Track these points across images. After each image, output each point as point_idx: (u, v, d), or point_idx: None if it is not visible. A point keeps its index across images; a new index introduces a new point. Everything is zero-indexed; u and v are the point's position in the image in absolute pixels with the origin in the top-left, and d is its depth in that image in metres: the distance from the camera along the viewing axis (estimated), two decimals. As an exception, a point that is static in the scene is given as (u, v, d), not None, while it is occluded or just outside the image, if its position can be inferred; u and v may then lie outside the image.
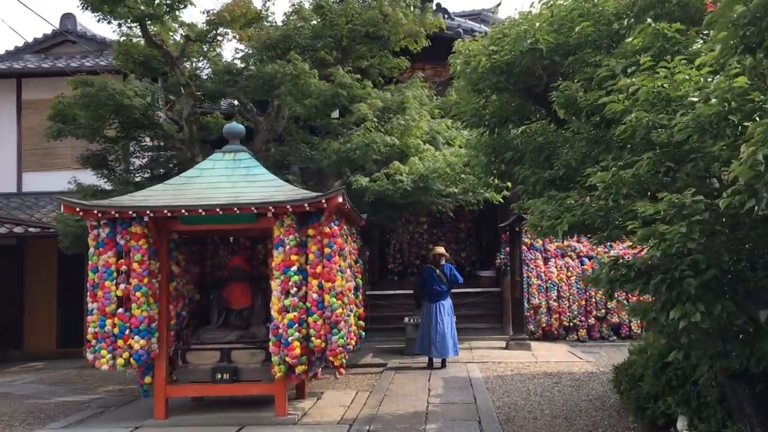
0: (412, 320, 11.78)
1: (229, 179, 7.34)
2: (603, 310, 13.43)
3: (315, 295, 6.73)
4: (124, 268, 6.81)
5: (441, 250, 11.12)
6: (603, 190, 3.87)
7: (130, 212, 6.66)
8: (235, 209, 6.62)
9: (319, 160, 8.23)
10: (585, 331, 13.47)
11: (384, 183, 7.92)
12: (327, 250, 6.75)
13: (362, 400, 8.05)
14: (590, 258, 13.81)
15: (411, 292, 12.24)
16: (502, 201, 9.37)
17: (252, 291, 7.82)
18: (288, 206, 6.60)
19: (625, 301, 12.37)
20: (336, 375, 7.14)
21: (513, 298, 12.42)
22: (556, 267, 13.70)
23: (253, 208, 6.62)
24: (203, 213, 6.67)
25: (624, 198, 3.81)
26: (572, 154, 4.80)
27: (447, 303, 10.79)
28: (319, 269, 6.74)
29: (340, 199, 6.57)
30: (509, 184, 6.86)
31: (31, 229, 12.37)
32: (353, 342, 7.71)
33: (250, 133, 10.20)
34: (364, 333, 8.49)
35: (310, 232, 6.86)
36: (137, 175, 10.59)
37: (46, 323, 13.77)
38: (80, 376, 11.07)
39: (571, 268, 13.63)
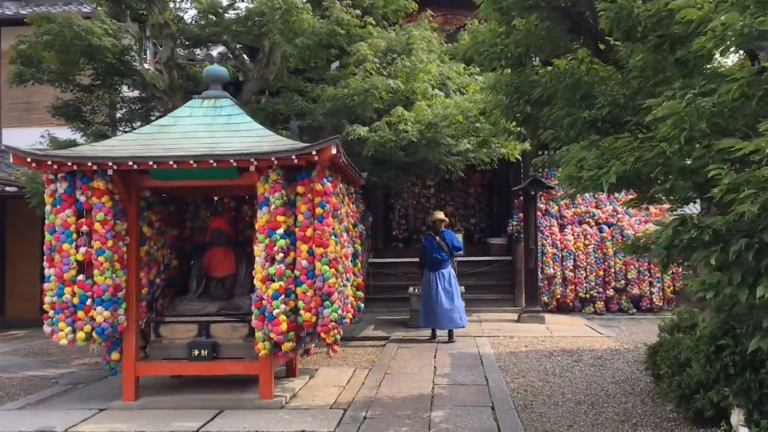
0: (417, 290, 10.92)
1: (208, 128, 6.38)
2: (622, 281, 12.51)
3: (305, 262, 5.82)
4: (85, 228, 5.90)
5: (440, 215, 10.27)
6: (671, 126, 2.90)
7: (90, 164, 5.72)
8: (212, 161, 5.67)
9: (313, 111, 7.24)
10: (602, 303, 12.57)
11: (386, 133, 6.93)
12: (319, 211, 5.82)
13: (360, 379, 7.20)
14: (610, 225, 12.86)
15: (416, 260, 11.39)
16: (519, 158, 8.40)
17: (236, 257, 6.92)
18: (273, 158, 5.65)
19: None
20: (329, 353, 6.26)
21: (526, 267, 11.50)
22: (572, 234, 12.75)
23: (232, 161, 5.67)
24: (175, 166, 5.72)
25: (701, 137, 2.83)
26: (619, 89, 3.80)
27: (447, 271, 9.95)
28: (309, 232, 5.82)
29: (334, 150, 5.61)
30: (531, 133, 5.86)
31: (8, 188, 11.47)
32: (350, 315, 6.83)
33: (239, 85, 9.23)
34: (363, 305, 7.59)
35: (300, 189, 5.93)
36: (118, 128, 9.64)
37: (29, 289, 12.95)
38: (59, 346, 10.26)
39: (588, 236, 12.68)
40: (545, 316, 11.38)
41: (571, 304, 12.66)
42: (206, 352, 6.23)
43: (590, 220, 12.97)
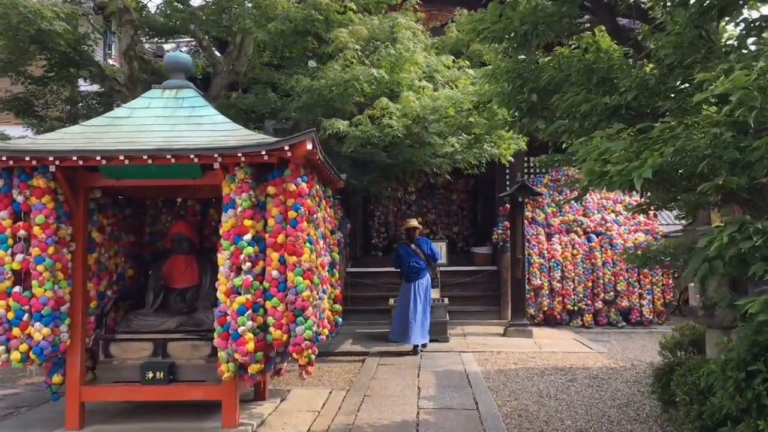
0: (398, 301, 10.25)
1: (168, 121, 5.67)
2: (612, 293, 11.98)
3: (275, 273, 5.14)
4: (22, 233, 5.14)
5: (414, 223, 9.84)
6: (735, 104, 2.28)
7: (28, 158, 4.98)
8: (169, 157, 4.97)
9: (287, 106, 6.55)
10: (591, 316, 12.03)
11: (368, 128, 6.27)
12: (292, 214, 5.14)
13: (337, 402, 6.51)
14: (598, 234, 12.32)
15: (397, 269, 10.75)
16: (511, 160, 7.78)
17: (199, 266, 6.21)
18: (239, 154, 4.96)
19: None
20: (302, 375, 5.56)
21: (513, 278, 10.90)
22: (560, 244, 12.20)
23: (192, 156, 4.97)
24: (127, 162, 5.01)
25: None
26: (645, 72, 3.19)
27: (425, 281, 9.46)
28: (280, 239, 5.15)
29: (309, 146, 4.94)
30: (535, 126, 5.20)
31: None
32: (326, 331, 6.16)
33: (209, 80, 8.52)
34: (340, 319, 6.91)
35: (270, 190, 5.25)
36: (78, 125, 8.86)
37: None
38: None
39: (577, 246, 12.13)
40: (533, 329, 10.77)
41: (558, 316, 12.10)
42: (162, 374, 5.49)
43: (578, 228, 12.43)
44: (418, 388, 7.09)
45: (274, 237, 5.17)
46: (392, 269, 12.59)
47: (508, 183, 13.21)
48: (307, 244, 5.22)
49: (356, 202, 13.68)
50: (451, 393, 6.80)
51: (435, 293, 10.13)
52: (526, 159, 11.96)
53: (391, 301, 10.59)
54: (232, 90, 7.99)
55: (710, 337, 5.86)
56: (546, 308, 11.96)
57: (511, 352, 9.33)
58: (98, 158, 4.96)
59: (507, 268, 11.78)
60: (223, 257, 5.15)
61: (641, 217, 12.76)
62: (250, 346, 4.98)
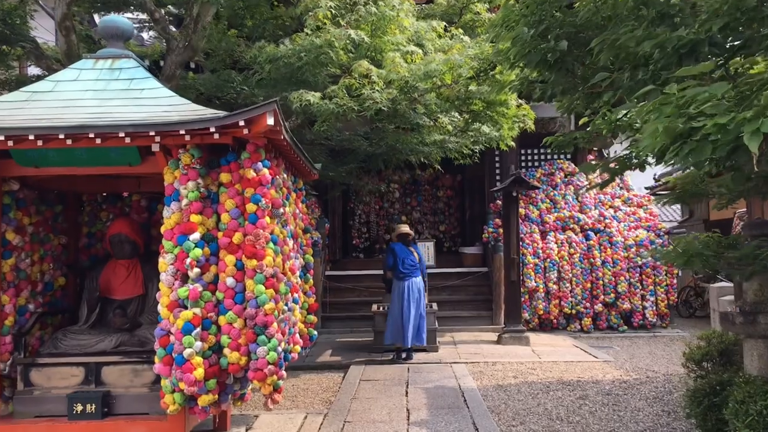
0: (381, 308, 9.30)
1: (99, 95, 4.64)
2: (612, 295, 11.08)
3: (230, 281, 4.14)
4: None
5: (406, 228, 8.90)
6: None
7: None
8: (92, 136, 3.95)
9: (247, 81, 5.55)
10: (590, 319, 11.12)
11: (344, 100, 5.27)
12: (251, 208, 4.15)
13: (313, 430, 5.51)
14: (597, 232, 11.43)
15: (380, 272, 9.80)
16: (513, 145, 6.82)
17: (145, 273, 5.18)
18: (182, 131, 3.95)
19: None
20: (267, 405, 4.54)
21: (507, 280, 9.96)
22: (556, 242, 11.29)
23: (122, 134, 3.95)
24: (40, 143, 3.98)
25: None
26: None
27: (418, 281, 8.67)
28: (237, 238, 4.15)
29: (270, 120, 3.94)
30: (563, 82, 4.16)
31: None
32: (298, 348, 5.19)
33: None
34: (316, 333, 5.92)
35: (224, 178, 4.26)
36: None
37: None
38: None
39: (574, 244, 11.23)
40: (529, 335, 9.84)
41: (555, 321, 11.19)
42: (94, 406, 4.46)
43: (575, 226, 11.54)
44: (407, 410, 6.11)
45: (228, 236, 4.18)
46: (374, 272, 11.67)
47: (498, 177, 12.31)
48: (271, 245, 4.23)
49: (335, 199, 12.69)
50: (445, 416, 5.83)
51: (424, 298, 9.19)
52: (522, 152, 11.03)
53: (374, 306, 9.61)
54: (188, 68, 6.96)
55: (750, 348, 4.93)
56: (542, 312, 11.04)
57: (508, 363, 8.39)
58: (2, 138, 3.92)
59: (499, 270, 10.86)
60: (165, 262, 4.13)
61: (642, 213, 11.92)
62: (199, 372, 3.97)
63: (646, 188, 15.79)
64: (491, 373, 7.84)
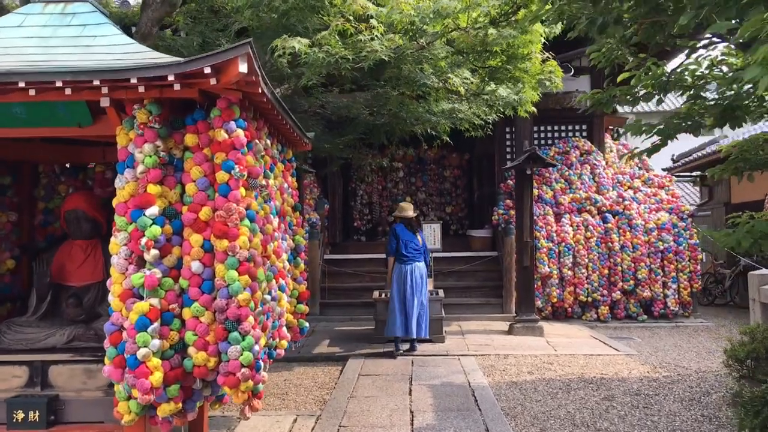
0: (383, 295, 8.58)
1: (44, 42, 3.87)
2: (631, 282, 10.33)
3: (196, 265, 3.40)
4: None
5: (409, 211, 7.96)
6: None
7: None
8: (23, 86, 3.19)
9: (225, 31, 4.77)
10: (607, 308, 10.37)
11: (337, 48, 4.46)
12: (222, 177, 3.40)
13: (301, 438, 4.81)
14: (615, 214, 10.67)
15: (383, 256, 9.11)
16: (533, 111, 6.04)
17: (106, 256, 4.43)
18: (133, 79, 3.18)
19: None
20: (243, 413, 3.81)
21: (519, 265, 9.22)
22: (571, 225, 10.54)
23: (59, 83, 3.18)
24: (-41, 95, 3.23)
25: None
26: None
27: (422, 267, 7.92)
28: (205, 214, 3.41)
29: (243, 68, 3.17)
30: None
31: None
32: (284, 343, 4.46)
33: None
34: (307, 324, 5.18)
35: (190, 140, 3.50)
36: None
37: None
38: None
39: (590, 227, 10.47)
40: (543, 325, 9.11)
41: (569, 309, 10.46)
42: (38, 413, 3.73)
43: (592, 207, 10.77)
44: (411, 412, 5.40)
45: (194, 211, 3.43)
46: (376, 256, 10.94)
47: (509, 156, 11.55)
48: (246, 222, 3.48)
49: (334, 178, 11.93)
50: (454, 420, 5.12)
51: (428, 284, 8.44)
52: (535, 129, 10.22)
53: (376, 293, 8.89)
54: (164, 27, 6.17)
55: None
56: (555, 300, 10.30)
57: (521, 356, 7.68)
58: None
59: (510, 254, 10.13)
60: (116, 242, 3.39)
61: (663, 194, 11.14)
62: (157, 377, 3.24)
63: (664, 169, 15.00)
64: (503, 367, 7.13)
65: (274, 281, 4.23)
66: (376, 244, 11.98)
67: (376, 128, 6.74)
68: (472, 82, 5.34)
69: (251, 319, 3.41)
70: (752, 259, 11.64)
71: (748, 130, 14.51)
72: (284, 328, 4.54)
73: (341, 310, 10.41)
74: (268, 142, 4.23)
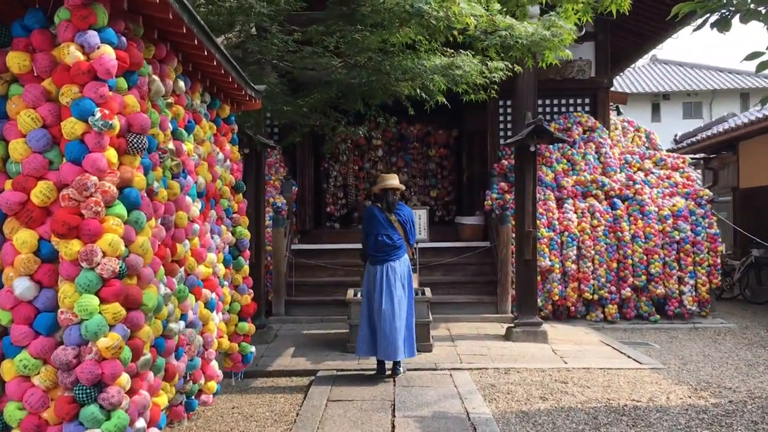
0: (358, 294, 7.11)
1: None
2: (643, 277, 9.00)
3: (23, 286, 1.92)
4: None
5: (394, 181, 6.13)
6: None
7: None
8: None
9: None
10: (615, 306, 9.04)
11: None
12: (71, 128, 1.91)
13: None
14: (625, 199, 9.33)
15: (359, 246, 7.70)
16: (558, 61, 4.59)
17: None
18: None
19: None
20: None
21: (519, 258, 7.83)
22: (575, 212, 9.18)
23: None
24: None
25: None
26: None
27: (402, 265, 6.17)
28: (40, 194, 1.92)
29: None
30: None
31: None
32: (213, 385, 3.03)
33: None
34: (252, 348, 3.73)
35: (16, 62, 2.01)
36: None
37: None
38: None
39: (597, 214, 9.12)
40: (546, 330, 7.75)
41: (572, 307, 9.11)
42: None
43: (598, 191, 9.41)
44: (395, 465, 3.98)
45: (22, 189, 1.95)
46: (352, 246, 9.50)
47: (503, 131, 10.16)
48: (119, 208, 2.01)
49: (305, 158, 10.44)
50: (455, 481, 3.71)
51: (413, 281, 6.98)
52: (540, 100, 8.78)
53: (350, 292, 7.44)
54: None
55: None
56: (557, 297, 8.95)
57: (525, 370, 6.32)
58: None
59: (506, 245, 8.75)
60: None
61: (678, 177, 9.82)
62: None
63: (667, 151, 13.73)
64: (507, 388, 5.74)
65: (192, 299, 2.77)
66: (352, 232, 10.53)
67: (351, 89, 5.28)
68: (483, 15, 3.89)
69: (124, 379, 1.94)
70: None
71: (752, 113, 13.32)
72: (213, 364, 3.09)
73: (310, 309, 8.96)
74: (183, 85, 2.75)
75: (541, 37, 4.02)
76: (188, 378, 2.79)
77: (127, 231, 2.04)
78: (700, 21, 2.52)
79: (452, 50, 5.36)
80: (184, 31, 2.37)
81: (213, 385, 3.07)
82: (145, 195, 2.22)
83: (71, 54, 1.91)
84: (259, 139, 6.27)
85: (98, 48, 1.95)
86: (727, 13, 2.41)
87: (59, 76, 1.95)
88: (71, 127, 1.91)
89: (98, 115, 1.91)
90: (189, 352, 2.74)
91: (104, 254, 1.93)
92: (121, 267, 1.97)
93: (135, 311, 2.07)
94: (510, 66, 5.13)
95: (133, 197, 2.09)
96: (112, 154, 1.99)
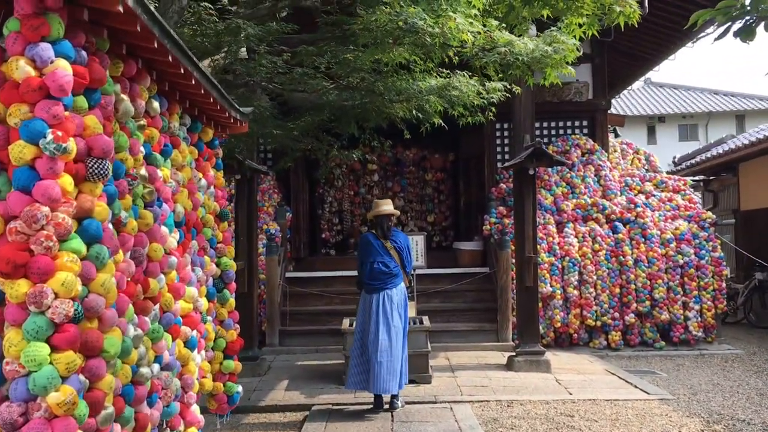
0: (354, 324, 6.84)
1: None
2: (647, 302, 8.74)
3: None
4: None
5: (388, 207, 5.94)
6: None
7: None
8: None
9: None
10: (619, 333, 8.77)
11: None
12: (19, 153, 1.68)
13: None
14: (626, 223, 9.11)
15: (355, 273, 7.46)
16: (572, 72, 4.38)
17: None
18: None
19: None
20: None
21: (520, 285, 7.58)
22: (576, 236, 8.95)
23: None
24: None
25: None
26: None
27: (398, 293, 5.92)
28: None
29: None
30: None
31: None
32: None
33: None
34: (239, 388, 3.47)
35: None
36: None
37: None
38: None
39: (599, 238, 8.89)
40: (549, 359, 7.47)
41: (575, 335, 8.84)
42: None
43: (599, 215, 9.19)
44: None
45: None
46: (348, 273, 9.25)
47: (500, 155, 9.98)
48: (75, 242, 1.77)
49: (299, 183, 10.22)
50: None
51: (410, 310, 6.72)
52: (537, 122, 8.60)
53: (345, 322, 7.18)
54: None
55: None
56: (559, 324, 8.68)
57: (529, 402, 6.05)
58: None
59: (506, 271, 8.51)
60: None
61: (679, 199, 9.63)
62: None
63: (666, 173, 13.56)
64: (511, 422, 5.47)
65: (168, 338, 2.52)
66: (348, 259, 10.29)
67: (344, 112, 5.08)
68: (479, 33, 3.70)
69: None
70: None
71: (751, 134, 13.19)
72: (194, 408, 2.82)
73: (305, 339, 8.67)
74: (158, 106, 2.53)
75: (543, 53, 3.83)
76: (165, 426, 2.54)
77: (85, 268, 1.81)
78: (721, 30, 2.33)
79: (448, 71, 5.19)
80: (156, 46, 2.16)
81: (194, 431, 2.82)
82: (110, 227, 1.99)
83: (20, 69, 1.69)
84: (250, 164, 6.06)
85: (51, 62, 1.74)
86: (752, 21, 2.23)
87: (7, 95, 1.73)
88: (19, 151, 1.69)
89: (50, 137, 1.69)
90: (165, 397, 2.49)
91: (56, 295, 1.70)
92: (76, 309, 1.74)
93: (95, 359, 1.83)
94: (508, 86, 4.97)
95: (94, 229, 1.86)
96: (67, 181, 1.76)
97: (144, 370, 2.25)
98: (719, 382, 6.97)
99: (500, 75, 4.35)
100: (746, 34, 2.25)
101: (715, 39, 2.41)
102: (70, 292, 1.71)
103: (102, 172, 1.89)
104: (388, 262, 5.87)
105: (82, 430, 1.70)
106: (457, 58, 4.11)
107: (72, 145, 1.74)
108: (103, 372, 1.86)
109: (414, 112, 4.89)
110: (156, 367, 2.41)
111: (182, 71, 2.52)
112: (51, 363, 1.65)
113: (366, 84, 4.46)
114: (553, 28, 3.99)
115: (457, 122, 5.48)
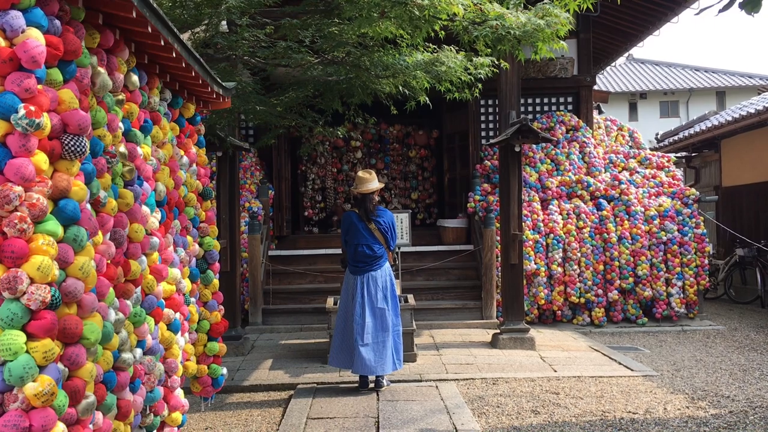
0: (339, 302, 6.80)
1: None
2: (630, 279, 8.80)
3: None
4: None
5: (371, 185, 5.67)
6: None
7: None
8: None
9: None
10: (602, 310, 8.83)
11: None
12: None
13: None
14: (610, 200, 9.13)
15: (338, 251, 7.42)
16: (564, 46, 4.31)
17: None
18: None
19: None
20: None
21: (505, 263, 7.57)
22: (560, 213, 8.97)
23: None
24: None
25: None
26: None
27: (383, 275, 5.83)
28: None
29: None
30: None
31: None
32: (178, 418, 2.67)
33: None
34: (224, 370, 3.40)
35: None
36: None
37: None
38: None
39: (583, 215, 8.92)
40: (534, 336, 7.49)
41: (558, 311, 8.89)
42: None
43: (583, 192, 9.21)
44: (381, 494, 3.68)
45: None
46: (332, 251, 9.21)
47: (485, 131, 9.93)
48: (51, 224, 1.67)
49: (282, 160, 10.08)
50: None
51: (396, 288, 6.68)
52: (522, 99, 8.51)
53: (330, 300, 7.13)
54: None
55: None
56: (543, 301, 8.71)
57: (514, 380, 6.07)
58: None
59: (491, 248, 8.50)
60: None
61: (663, 176, 9.65)
62: None
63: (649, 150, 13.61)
64: (496, 400, 5.47)
65: (151, 322, 2.44)
66: (331, 237, 10.24)
67: (329, 88, 4.96)
68: (469, 5, 3.58)
69: (59, 430, 1.61)
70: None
71: (733, 110, 13.25)
72: (178, 392, 2.75)
73: (289, 317, 8.62)
74: (137, 80, 2.41)
75: (535, 26, 3.72)
76: (148, 411, 2.47)
77: (62, 251, 1.71)
78: (726, 1, 2.27)
79: (435, 46, 5.09)
80: (135, 15, 2.04)
81: (178, 416, 2.74)
82: (88, 207, 1.89)
83: (-13, 39, 1.58)
84: (232, 141, 5.93)
85: (22, 32, 1.62)
86: (759, -8, 2.17)
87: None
88: (-12, 127, 1.58)
89: (22, 112, 1.58)
90: (148, 382, 2.41)
91: (32, 281, 1.60)
92: (53, 295, 1.64)
93: (74, 346, 1.74)
94: (496, 62, 4.88)
95: (71, 210, 1.75)
96: (41, 159, 1.65)
97: (126, 355, 2.17)
98: (702, 358, 7.04)
99: (489, 50, 4.25)
100: (752, 5, 2.19)
101: (720, 11, 2.34)
102: (46, 276, 1.61)
103: (79, 149, 1.78)
104: (372, 245, 5.77)
105: (61, 421, 1.62)
106: (443, 32, 4.00)
107: (46, 120, 1.63)
108: (83, 360, 1.77)
109: (400, 88, 4.79)
110: (138, 351, 2.32)
111: (162, 43, 2.40)
112: (27, 352, 1.56)
113: (351, 59, 4.35)
114: (545, 1, 3.88)
115: (444, 97, 5.39)
